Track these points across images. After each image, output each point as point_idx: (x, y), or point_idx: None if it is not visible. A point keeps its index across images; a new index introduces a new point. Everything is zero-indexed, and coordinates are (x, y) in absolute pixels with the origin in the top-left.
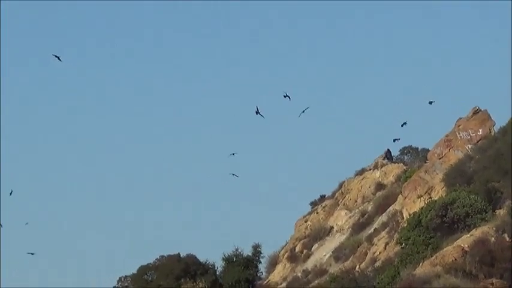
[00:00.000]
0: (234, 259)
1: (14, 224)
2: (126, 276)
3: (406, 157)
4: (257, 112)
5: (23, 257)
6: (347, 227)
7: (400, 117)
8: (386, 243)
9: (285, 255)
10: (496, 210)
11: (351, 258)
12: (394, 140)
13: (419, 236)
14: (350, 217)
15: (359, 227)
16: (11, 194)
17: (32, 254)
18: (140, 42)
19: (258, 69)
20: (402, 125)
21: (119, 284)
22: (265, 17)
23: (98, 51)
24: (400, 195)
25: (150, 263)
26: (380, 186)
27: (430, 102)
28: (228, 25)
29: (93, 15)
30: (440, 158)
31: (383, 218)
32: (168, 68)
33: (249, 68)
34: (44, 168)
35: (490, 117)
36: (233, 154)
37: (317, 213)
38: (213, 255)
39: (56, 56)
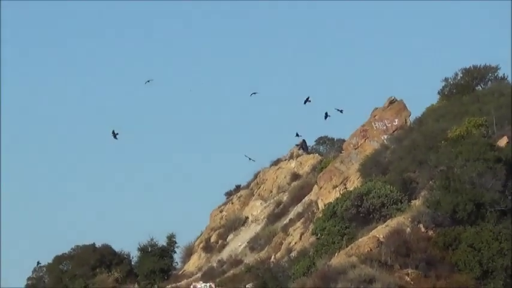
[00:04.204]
0: (149, 249)
1: None
2: (41, 266)
3: (321, 147)
4: (306, 101)
5: None
6: (262, 217)
7: (316, 107)
8: (302, 234)
9: (200, 245)
10: (412, 201)
11: (266, 249)
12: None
13: (335, 227)
14: (265, 207)
15: (274, 217)
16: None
17: None
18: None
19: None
20: (305, 101)
21: (34, 274)
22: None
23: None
24: (316, 185)
25: (66, 253)
26: (295, 176)
27: (340, 111)
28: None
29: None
30: (356, 148)
31: (298, 208)
32: None
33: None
34: None
35: (406, 107)
36: (254, 93)
37: (232, 203)
38: (128, 245)
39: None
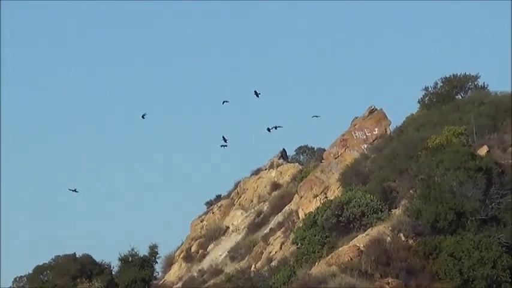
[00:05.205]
0: (130, 259)
1: None
2: (21, 276)
3: (302, 157)
4: (256, 94)
5: None
6: (243, 226)
7: (296, 117)
8: (282, 243)
9: (181, 255)
10: (392, 210)
11: (246, 258)
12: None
13: (315, 236)
14: (246, 217)
15: (255, 226)
16: None
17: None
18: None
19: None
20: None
21: (14, 284)
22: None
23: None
24: (296, 194)
25: (46, 263)
26: (276, 186)
27: (317, 116)
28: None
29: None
30: (336, 158)
31: (279, 217)
32: None
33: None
34: None
35: (386, 116)
36: (226, 101)
37: (213, 213)
38: (109, 255)
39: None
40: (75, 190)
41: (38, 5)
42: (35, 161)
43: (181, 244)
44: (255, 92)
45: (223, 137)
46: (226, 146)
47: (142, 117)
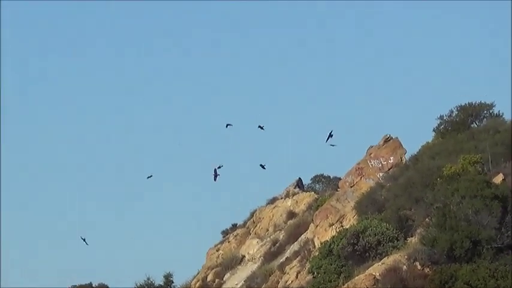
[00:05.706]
0: None
1: None
2: None
3: (317, 185)
4: (261, 127)
5: None
6: (259, 255)
7: (313, 146)
8: (298, 272)
9: (197, 285)
10: (408, 238)
11: (262, 287)
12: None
13: (331, 265)
14: (262, 246)
15: (271, 255)
16: None
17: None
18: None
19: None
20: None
21: None
22: None
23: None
24: (312, 223)
25: None
26: (291, 214)
27: (333, 145)
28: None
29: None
30: (351, 186)
31: (295, 246)
32: None
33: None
34: None
35: (401, 145)
36: (230, 125)
37: (229, 242)
38: (124, 284)
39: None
40: (84, 240)
41: (38, 5)
42: (41, 169)
43: (198, 273)
44: (259, 126)
45: (216, 170)
46: (218, 175)
47: (148, 178)
